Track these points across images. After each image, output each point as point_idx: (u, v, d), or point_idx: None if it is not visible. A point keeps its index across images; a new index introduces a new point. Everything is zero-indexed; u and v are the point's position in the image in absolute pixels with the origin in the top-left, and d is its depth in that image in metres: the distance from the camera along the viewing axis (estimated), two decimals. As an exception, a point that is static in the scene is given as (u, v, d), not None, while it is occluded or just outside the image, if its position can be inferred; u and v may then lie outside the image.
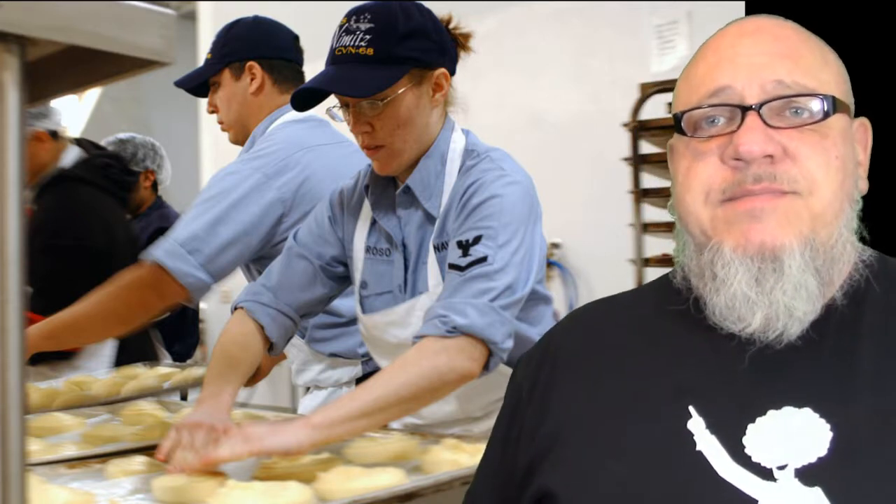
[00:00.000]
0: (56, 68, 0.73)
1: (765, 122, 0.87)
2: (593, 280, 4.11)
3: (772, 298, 0.84)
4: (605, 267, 3.95)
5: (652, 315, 0.96)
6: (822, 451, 0.80)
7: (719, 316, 0.88)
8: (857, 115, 0.95)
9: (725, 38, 0.93)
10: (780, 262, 0.84)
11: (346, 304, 1.97)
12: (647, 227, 3.35)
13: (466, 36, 1.63)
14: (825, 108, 0.88)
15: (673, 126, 0.95)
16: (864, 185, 0.94)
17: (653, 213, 3.33)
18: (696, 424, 0.84)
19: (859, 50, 1.44)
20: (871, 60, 1.51)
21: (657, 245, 3.33)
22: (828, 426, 0.81)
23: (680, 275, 0.94)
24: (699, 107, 0.90)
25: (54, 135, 2.76)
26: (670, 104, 1.01)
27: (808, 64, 0.90)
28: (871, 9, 1.61)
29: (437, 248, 1.58)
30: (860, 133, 0.95)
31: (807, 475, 0.79)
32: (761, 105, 0.87)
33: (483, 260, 1.46)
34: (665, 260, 3.27)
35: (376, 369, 1.77)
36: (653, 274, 3.36)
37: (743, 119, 0.87)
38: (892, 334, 0.86)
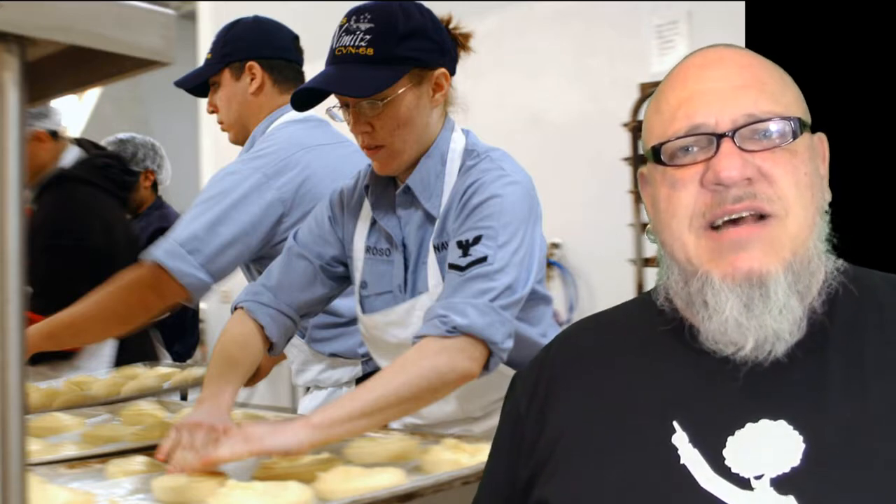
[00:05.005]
0: (56, 68, 0.73)
1: (739, 147, 0.91)
2: (593, 280, 4.11)
3: (761, 322, 0.88)
4: (605, 267, 3.94)
5: (640, 335, 1.01)
6: (796, 460, 0.83)
7: (712, 341, 0.92)
8: (813, 129, 0.99)
9: (691, 69, 0.98)
10: (766, 288, 0.89)
11: (346, 304, 1.97)
12: (646, 227, 3.34)
13: (466, 36, 1.63)
14: (793, 130, 0.92)
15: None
16: (827, 196, 0.98)
17: (653, 213, 3.32)
18: (680, 439, 0.88)
19: (823, 64, 1.48)
20: (831, 74, 1.55)
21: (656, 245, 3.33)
22: (801, 437, 0.85)
23: (663, 296, 0.98)
24: (676, 137, 0.94)
25: (54, 135, 2.76)
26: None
27: (772, 90, 0.95)
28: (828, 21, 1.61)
29: (437, 248, 1.58)
30: (820, 147, 0.99)
31: (781, 484, 0.83)
32: (734, 132, 0.91)
33: (483, 260, 1.46)
34: (665, 260, 3.26)
35: (376, 369, 1.77)
36: (652, 274, 3.36)
37: (718, 146, 0.91)
38: (862, 346, 0.90)
